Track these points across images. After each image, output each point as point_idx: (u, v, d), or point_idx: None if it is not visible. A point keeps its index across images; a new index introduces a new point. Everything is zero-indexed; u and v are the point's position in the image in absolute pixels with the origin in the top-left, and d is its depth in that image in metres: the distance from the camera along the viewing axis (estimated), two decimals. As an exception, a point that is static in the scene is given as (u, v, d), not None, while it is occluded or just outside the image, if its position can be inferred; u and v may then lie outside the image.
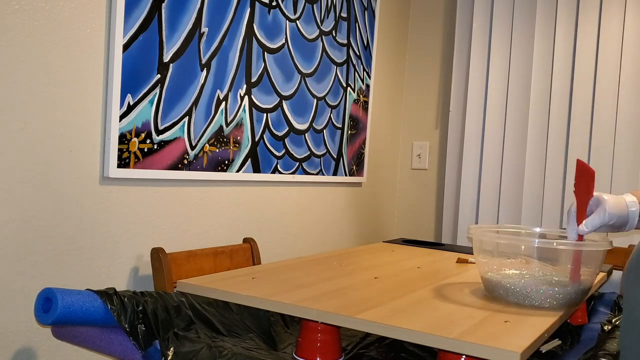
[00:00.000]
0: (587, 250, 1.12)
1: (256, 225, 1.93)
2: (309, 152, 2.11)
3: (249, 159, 1.84)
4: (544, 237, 1.35)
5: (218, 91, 1.70)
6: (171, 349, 1.13)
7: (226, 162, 1.75)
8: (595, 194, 1.13)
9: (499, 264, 1.18)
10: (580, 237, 1.13)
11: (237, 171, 1.80)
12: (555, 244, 1.11)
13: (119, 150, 1.44)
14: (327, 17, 2.15)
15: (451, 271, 1.48)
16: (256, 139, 1.86)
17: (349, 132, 2.35)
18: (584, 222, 1.11)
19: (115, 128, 1.42)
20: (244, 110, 1.80)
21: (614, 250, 2.16)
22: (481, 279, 1.23)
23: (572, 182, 2.34)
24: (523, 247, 1.20)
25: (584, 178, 1.13)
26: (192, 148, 1.64)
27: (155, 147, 1.53)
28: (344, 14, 2.25)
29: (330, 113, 2.22)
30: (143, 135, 1.49)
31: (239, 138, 1.79)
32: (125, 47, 1.43)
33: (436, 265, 1.55)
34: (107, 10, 1.41)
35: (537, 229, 1.39)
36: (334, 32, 2.20)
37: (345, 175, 2.35)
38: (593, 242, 1.15)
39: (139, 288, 1.55)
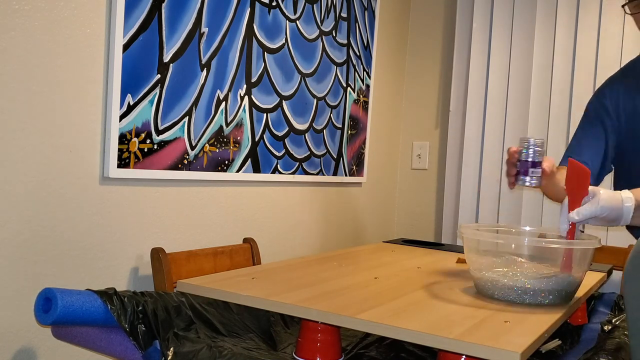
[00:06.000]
0: (574, 248, 1.13)
1: (256, 225, 1.93)
2: (309, 152, 2.11)
3: (249, 159, 1.84)
4: (536, 236, 1.36)
5: (218, 91, 1.70)
6: (171, 349, 1.13)
7: (226, 162, 1.75)
8: (590, 188, 1.15)
9: (489, 262, 1.19)
10: (573, 227, 1.15)
11: (237, 171, 1.80)
12: (544, 242, 1.13)
13: (119, 150, 1.44)
14: (327, 17, 2.15)
15: (451, 271, 1.48)
16: (256, 139, 1.86)
17: (349, 132, 2.35)
18: (575, 210, 1.14)
19: (115, 128, 1.42)
20: (244, 110, 1.80)
21: (614, 250, 2.16)
22: (472, 278, 1.24)
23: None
24: (513, 245, 1.21)
25: (578, 178, 1.16)
26: (192, 148, 1.64)
27: (155, 147, 1.53)
28: (344, 14, 2.25)
29: (330, 113, 2.22)
30: (143, 135, 1.49)
31: (239, 138, 1.79)
32: (125, 47, 1.43)
33: (436, 266, 1.55)
34: (107, 10, 1.41)
35: (527, 228, 1.40)
36: (334, 32, 2.20)
37: (345, 175, 2.35)
38: (580, 240, 1.16)
39: (139, 288, 1.55)
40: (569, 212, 1.15)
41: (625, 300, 1.03)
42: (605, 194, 1.12)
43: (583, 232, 1.24)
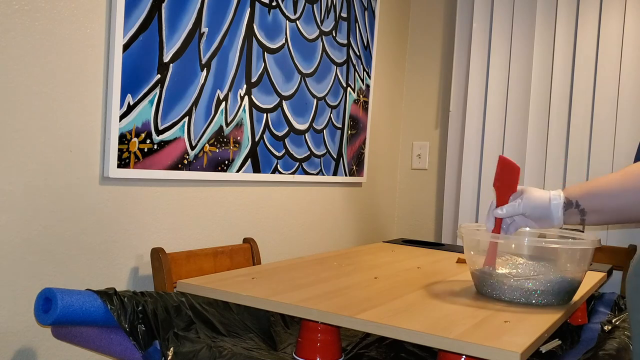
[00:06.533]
0: (574, 248, 1.13)
1: (256, 225, 1.93)
2: (309, 152, 2.11)
3: (249, 159, 1.84)
4: (536, 236, 1.36)
5: (218, 91, 1.70)
6: (171, 349, 1.13)
7: (226, 162, 1.75)
8: (521, 187, 1.14)
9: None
10: (499, 223, 1.15)
11: (237, 171, 1.80)
12: (544, 242, 1.13)
13: (119, 150, 1.44)
14: (327, 17, 2.15)
15: (451, 271, 1.48)
16: (256, 139, 1.86)
17: (349, 132, 2.35)
18: (501, 206, 1.13)
19: (115, 128, 1.42)
20: (244, 110, 1.80)
21: (614, 250, 2.16)
22: (472, 277, 1.24)
23: (572, 182, 2.34)
24: (513, 245, 1.21)
25: (508, 174, 1.15)
26: (192, 148, 1.64)
27: (155, 147, 1.53)
28: (344, 14, 2.25)
29: (330, 113, 2.22)
30: (143, 135, 1.49)
31: (239, 138, 1.79)
32: (125, 47, 1.43)
33: (436, 266, 1.55)
34: (107, 10, 1.41)
35: (527, 228, 1.40)
36: (334, 32, 2.20)
37: (345, 175, 2.35)
38: (580, 240, 1.16)
39: (139, 288, 1.55)
40: (496, 207, 1.15)
41: (628, 303, 1.03)
42: (533, 192, 1.10)
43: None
